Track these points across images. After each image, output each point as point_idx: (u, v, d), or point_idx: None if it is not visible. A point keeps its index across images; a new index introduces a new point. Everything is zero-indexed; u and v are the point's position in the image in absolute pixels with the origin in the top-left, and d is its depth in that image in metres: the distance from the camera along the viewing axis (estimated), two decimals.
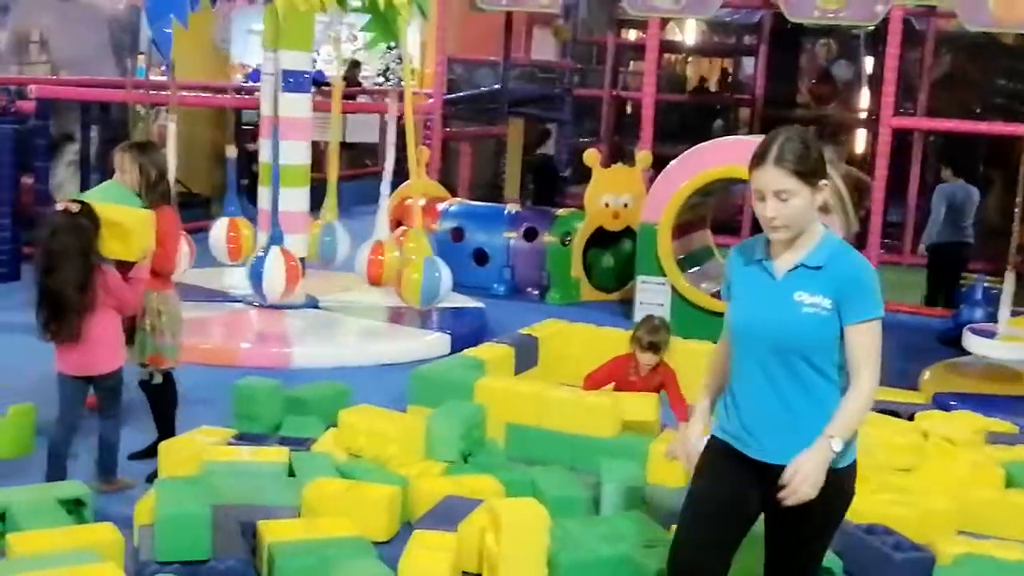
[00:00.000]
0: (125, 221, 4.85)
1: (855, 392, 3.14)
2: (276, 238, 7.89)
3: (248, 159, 12.24)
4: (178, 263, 5.84)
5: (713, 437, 3.37)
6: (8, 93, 9.80)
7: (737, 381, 3.29)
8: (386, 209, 8.74)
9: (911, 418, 6.02)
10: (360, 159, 17.00)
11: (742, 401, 3.26)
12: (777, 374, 3.18)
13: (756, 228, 3.35)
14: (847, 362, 3.15)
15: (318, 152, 11.16)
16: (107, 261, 4.79)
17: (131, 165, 5.27)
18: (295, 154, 8.20)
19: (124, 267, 4.89)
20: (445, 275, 7.95)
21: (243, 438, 5.26)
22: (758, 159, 3.13)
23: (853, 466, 3.28)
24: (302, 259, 8.13)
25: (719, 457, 3.31)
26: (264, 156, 8.29)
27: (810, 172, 3.11)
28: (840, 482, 3.18)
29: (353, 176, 15.42)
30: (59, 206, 4.77)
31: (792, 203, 3.09)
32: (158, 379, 5.31)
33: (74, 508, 4.36)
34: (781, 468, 3.09)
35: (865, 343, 3.12)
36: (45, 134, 9.57)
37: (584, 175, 10.81)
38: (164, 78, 8.87)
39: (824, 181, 3.17)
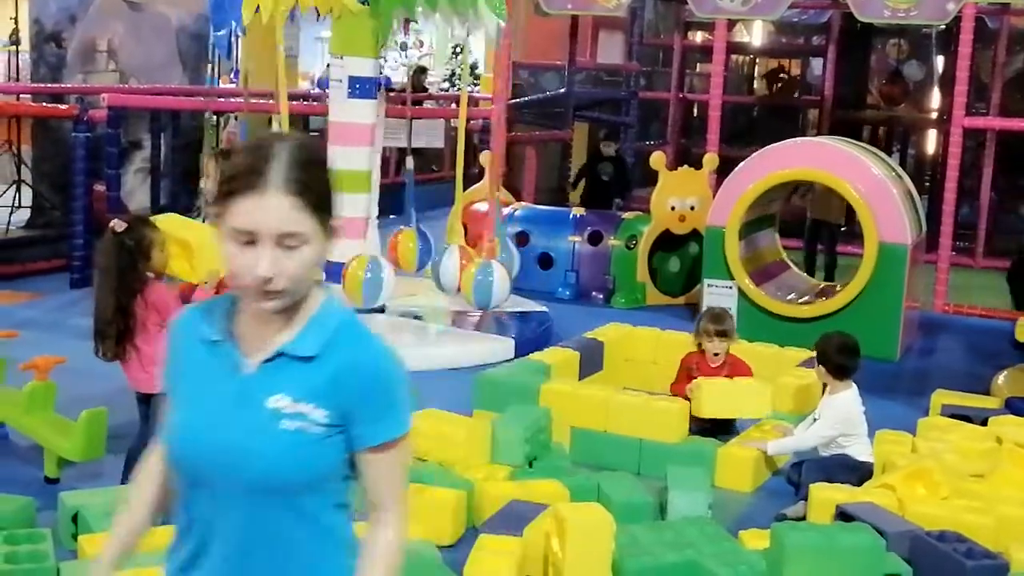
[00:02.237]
0: (192, 240, 4.87)
1: (378, 549, 2.06)
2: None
3: None
4: None
5: None
6: (81, 102, 9.97)
7: (189, 525, 2.10)
8: (459, 214, 8.76)
9: (984, 423, 5.93)
10: (427, 164, 17.07)
11: (203, 560, 2.08)
12: (251, 528, 2.02)
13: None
14: (367, 500, 2.09)
15: (383, 158, 11.21)
16: (161, 278, 4.80)
17: (216, 171, 5.32)
18: (357, 160, 8.25)
19: (190, 286, 4.90)
20: (499, 277, 8.12)
21: None
22: (250, 179, 1.94)
23: None
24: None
25: None
26: (338, 163, 8.34)
27: (328, 207, 2.03)
28: None
29: (420, 181, 15.48)
30: (111, 223, 4.76)
31: (303, 254, 1.96)
32: None
33: None
34: None
35: (389, 474, 2.07)
36: (116, 142, 9.72)
37: (650, 178, 10.76)
38: (233, 85, 8.95)
39: (339, 221, 2.08)
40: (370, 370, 2.05)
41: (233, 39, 7.85)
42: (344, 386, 2.01)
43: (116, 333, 4.67)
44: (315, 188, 2.00)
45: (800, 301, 8.92)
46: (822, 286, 9.67)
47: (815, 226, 11.05)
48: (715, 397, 5.80)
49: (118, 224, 4.70)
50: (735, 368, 6.09)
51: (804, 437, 5.57)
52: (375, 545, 2.06)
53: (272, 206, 1.94)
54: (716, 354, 6.06)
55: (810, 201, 10.97)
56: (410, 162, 9.23)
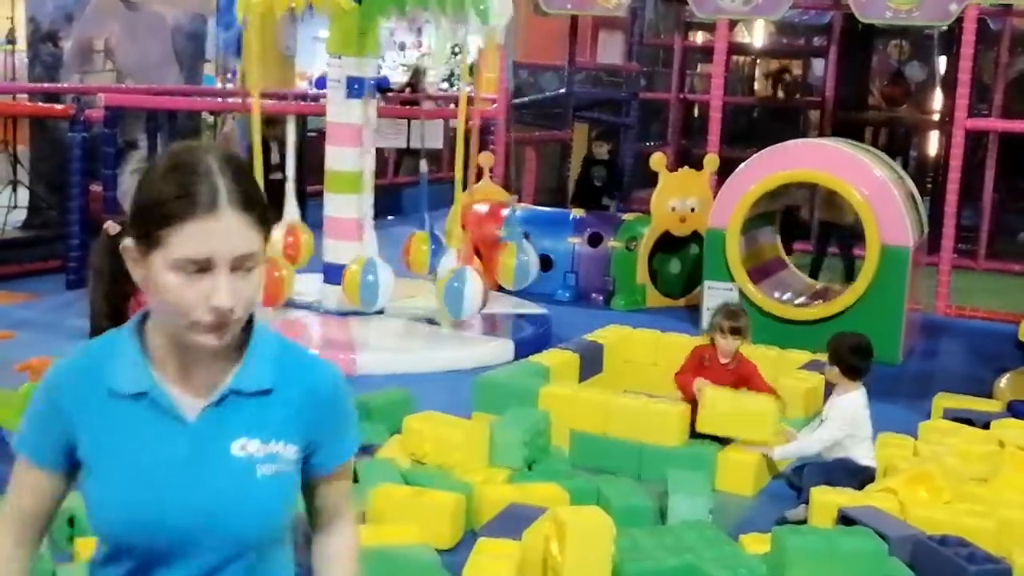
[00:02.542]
0: None
1: (341, 555, 2.00)
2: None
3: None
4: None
5: None
6: (77, 101, 9.93)
7: None
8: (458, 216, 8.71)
9: (986, 426, 5.91)
10: (427, 165, 17.04)
11: None
12: None
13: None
14: (318, 518, 1.99)
15: (381, 159, 11.18)
16: None
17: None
18: (348, 160, 8.22)
19: None
20: (533, 259, 8.50)
21: None
22: (194, 200, 1.70)
23: None
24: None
25: None
26: (330, 163, 8.31)
27: (268, 221, 1.81)
28: None
29: (418, 182, 15.45)
30: (105, 224, 4.73)
31: (255, 277, 1.77)
32: None
33: None
34: None
35: (345, 490, 1.99)
36: (113, 142, 9.69)
37: (651, 179, 10.72)
38: (230, 86, 8.92)
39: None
40: (328, 392, 1.90)
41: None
42: (307, 415, 1.86)
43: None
44: (259, 201, 1.77)
45: (796, 302, 8.90)
46: (819, 287, 9.65)
47: (824, 228, 11.00)
48: (718, 413, 5.68)
49: (111, 226, 4.68)
50: (742, 367, 6.02)
51: (810, 441, 5.52)
52: (336, 551, 1.99)
53: (226, 227, 1.71)
54: (727, 351, 5.99)
55: (818, 203, 10.93)
56: (424, 165, 9.20)
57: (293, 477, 1.86)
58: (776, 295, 8.86)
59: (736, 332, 5.95)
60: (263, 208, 1.77)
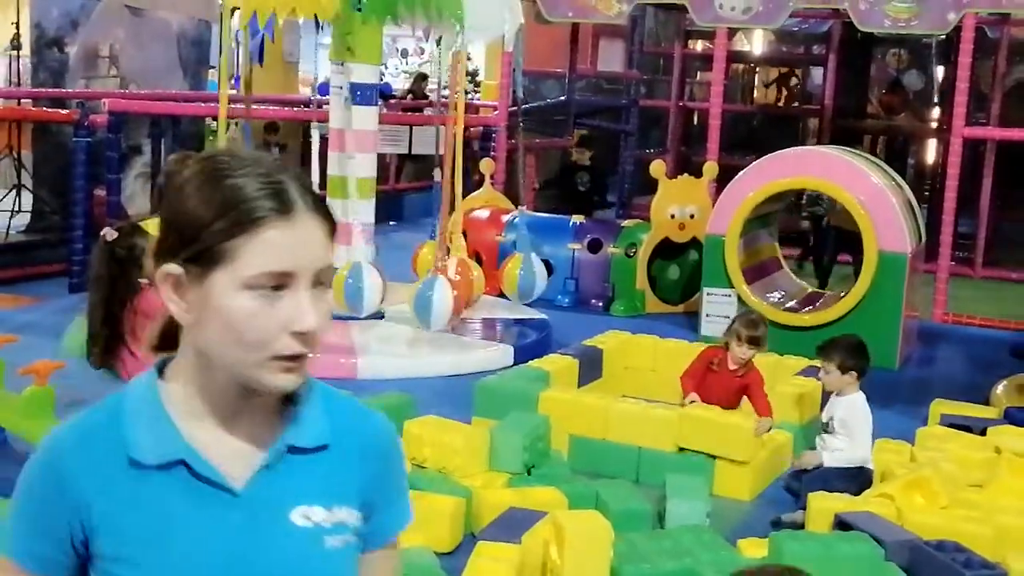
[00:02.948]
0: None
1: None
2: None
3: None
4: None
5: None
6: (82, 107, 9.98)
7: None
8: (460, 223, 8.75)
9: (983, 433, 5.92)
10: (427, 171, 17.07)
11: None
12: None
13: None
14: None
15: (383, 164, 11.22)
16: (152, 286, 4.76)
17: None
18: (362, 166, 8.28)
19: None
20: (540, 272, 8.59)
21: None
22: (274, 202, 1.43)
23: None
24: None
25: None
26: (333, 169, 8.37)
27: (336, 230, 1.53)
28: None
29: (420, 188, 15.50)
30: (103, 231, 4.67)
31: (330, 297, 1.56)
32: None
33: None
34: None
35: (398, 565, 1.69)
36: (117, 147, 9.73)
37: (650, 186, 10.77)
38: (234, 91, 8.96)
39: None
40: (387, 447, 1.63)
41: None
42: (364, 473, 1.57)
43: (104, 342, 4.65)
44: (329, 208, 1.51)
45: (787, 306, 8.94)
46: (810, 291, 9.69)
47: (838, 235, 10.96)
48: (696, 432, 5.65)
49: (109, 233, 4.66)
50: (749, 376, 5.94)
51: (854, 447, 5.44)
52: None
53: (306, 234, 1.44)
54: (740, 359, 5.88)
55: (834, 211, 10.90)
56: (438, 173, 9.22)
57: (357, 548, 1.56)
58: (768, 296, 8.89)
59: (754, 342, 5.82)
60: (333, 216, 1.51)
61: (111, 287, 4.59)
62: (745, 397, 5.95)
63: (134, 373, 4.73)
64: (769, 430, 5.67)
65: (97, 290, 4.60)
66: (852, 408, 5.47)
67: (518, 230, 8.46)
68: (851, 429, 5.45)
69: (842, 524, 4.67)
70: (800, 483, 5.37)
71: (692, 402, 5.79)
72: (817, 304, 8.99)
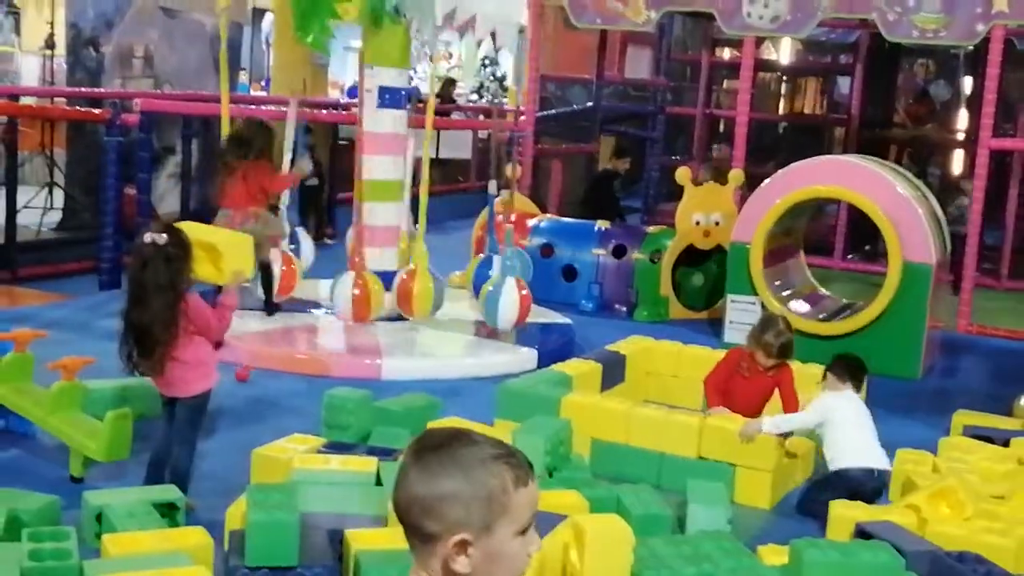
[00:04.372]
0: (218, 243, 4.93)
1: None
2: (511, 268, 8.27)
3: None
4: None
5: None
6: (114, 107, 10.07)
7: None
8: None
9: (1006, 444, 5.92)
10: (453, 175, 17.15)
11: None
12: None
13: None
14: None
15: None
16: (195, 286, 4.82)
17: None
18: (389, 169, 8.32)
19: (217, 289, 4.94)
20: (512, 299, 8.18)
21: (332, 447, 5.33)
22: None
23: None
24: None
25: None
26: (361, 172, 8.42)
27: None
28: None
29: (446, 192, 15.56)
30: (147, 237, 4.67)
31: None
32: None
33: (167, 512, 4.47)
34: None
35: None
36: (148, 147, 9.82)
37: (676, 193, 10.79)
38: (264, 93, 9.03)
39: None
40: None
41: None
42: None
43: (163, 346, 4.69)
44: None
45: (820, 317, 8.93)
46: (821, 291, 9.70)
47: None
48: (717, 441, 5.69)
49: (159, 237, 4.66)
50: (781, 372, 6.01)
51: (787, 418, 5.67)
52: None
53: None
54: (766, 365, 5.97)
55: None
56: (492, 186, 9.28)
57: None
58: (794, 306, 8.89)
59: (783, 352, 5.92)
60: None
61: (173, 290, 4.63)
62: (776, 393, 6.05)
63: (177, 374, 4.83)
64: (759, 431, 5.68)
65: (161, 298, 4.61)
66: (821, 398, 5.68)
67: (503, 262, 8.43)
68: (807, 410, 5.69)
69: (863, 533, 4.68)
70: (803, 506, 5.45)
71: (717, 411, 5.83)
72: (843, 315, 8.97)
